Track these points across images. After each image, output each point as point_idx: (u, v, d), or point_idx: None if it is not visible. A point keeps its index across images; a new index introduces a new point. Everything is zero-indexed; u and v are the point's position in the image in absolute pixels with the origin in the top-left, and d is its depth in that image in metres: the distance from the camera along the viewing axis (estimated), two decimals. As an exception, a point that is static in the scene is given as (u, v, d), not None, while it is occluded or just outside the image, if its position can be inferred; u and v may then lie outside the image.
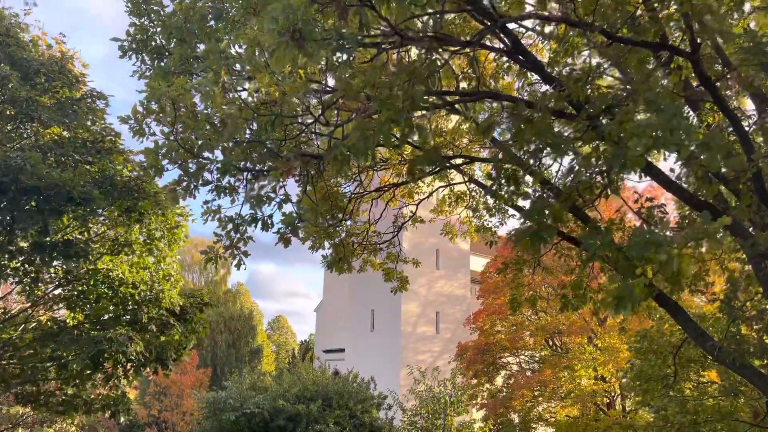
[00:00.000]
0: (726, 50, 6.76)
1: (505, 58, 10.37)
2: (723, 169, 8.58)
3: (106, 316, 13.11)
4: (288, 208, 7.22)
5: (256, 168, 6.63)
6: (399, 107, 4.83)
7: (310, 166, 6.95)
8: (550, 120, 5.93)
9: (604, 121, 5.50)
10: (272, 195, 6.61)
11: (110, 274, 12.96)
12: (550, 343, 27.03)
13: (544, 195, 6.55)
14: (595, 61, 7.56)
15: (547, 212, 5.32)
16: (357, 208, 12.61)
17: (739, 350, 9.73)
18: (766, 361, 10.21)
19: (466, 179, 13.14)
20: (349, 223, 12.96)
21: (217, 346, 45.01)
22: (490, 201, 13.42)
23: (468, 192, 13.69)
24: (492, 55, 10.70)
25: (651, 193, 19.27)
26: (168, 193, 6.56)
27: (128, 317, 13.12)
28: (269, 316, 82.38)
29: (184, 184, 6.64)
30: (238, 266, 7.19)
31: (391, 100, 4.89)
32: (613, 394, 25.26)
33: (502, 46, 8.95)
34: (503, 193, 6.56)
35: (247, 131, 6.57)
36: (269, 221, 6.86)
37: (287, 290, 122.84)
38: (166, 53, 8.66)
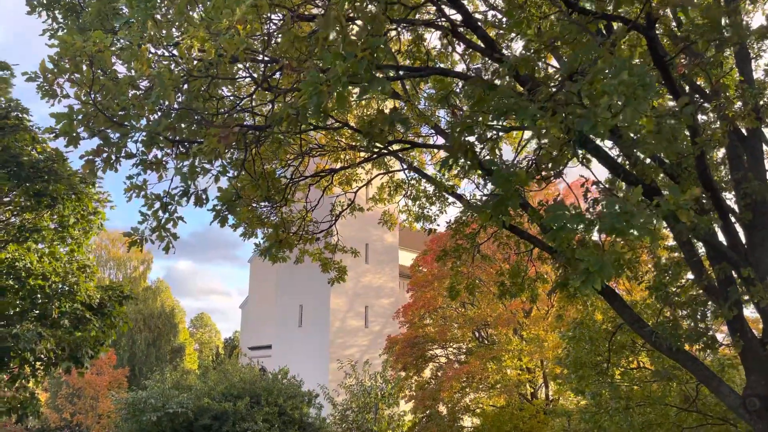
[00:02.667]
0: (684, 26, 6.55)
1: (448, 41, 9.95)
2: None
3: (11, 311, 11.73)
4: (224, 183, 6.46)
5: (187, 140, 5.83)
6: (359, 56, 4.23)
7: (248, 139, 6.22)
8: (513, 84, 5.48)
9: (570, 85, 5.09)
10: (207, 167, 5.84)
11: (16, 264, 11.61)
12: (478, 335, 27.15)
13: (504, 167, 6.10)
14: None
15: (511, 180, 4.86)
16: (292, 194, 11.88)
17: (674, 335, 9.74)
18: (698, 346, 10.31)
19: (405, 167, 12.69)
20: (284, 209, 12.21)
21: (135, 344, 42.69)
22: (430, 189, 13.03)
23: (407, 180, 13.23)
24: (436, 34, 10.27)
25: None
26: (85, 165, 5.66)
27: (37, 312, 11.81)
28: (189, 315, 79.49)
29: (104, 155, 5.76)
30: (166, 249, 6.36)
31: (349, 48, 4.28)
32: (536, 384, 25.65)
33: (447, 23, 8.51)
34: (456, 168, 6.06)
35: (178, 98, 5.77)
36: (203, 196, 6.07)
37: (206, 288, 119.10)
38: (81, 9, 7.63)
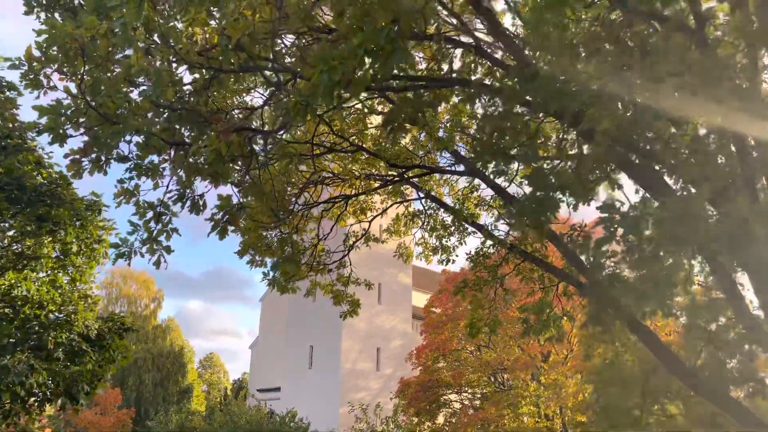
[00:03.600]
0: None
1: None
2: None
3: (5, 341, 10.97)
4: (225, 190, 5.75)
5: (185, 143, 5.16)
6: (380, 24, 3.55)
7: (253, 143, 5.55)
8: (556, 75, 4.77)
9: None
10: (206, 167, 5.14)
11: (12, 291, 10.91)
12: (494, 380, 25.86)
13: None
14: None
15: (552, 180, 4.11)
16: (305, 223, 11.18)
17: (718, 378, 8.75)
18: (745, 391, 9.29)
19: (422, 195, 11.96)
20: (295, 238, 11.49)
21: (143, 384, 41.50)
22: (448, 219, 12.27)
23: (424, 210, 12.46)
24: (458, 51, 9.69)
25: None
26: (70, 164, 5.00)
27: (32, 342, 11.04)
28: (199, 355, 78.00)
29: (93, 156, 5.09)
30: (157, 264, 5.63)
31: (371, 13, 3.60)
32: (556, 432, 24.20)
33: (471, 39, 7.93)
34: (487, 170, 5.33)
35: (177, 95, 5.14)
36: (200, 202, 5.37)
37: (216, 328, 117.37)
38: (81, 8, 7.10)
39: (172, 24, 4.86)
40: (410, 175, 10.82)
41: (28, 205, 10.57)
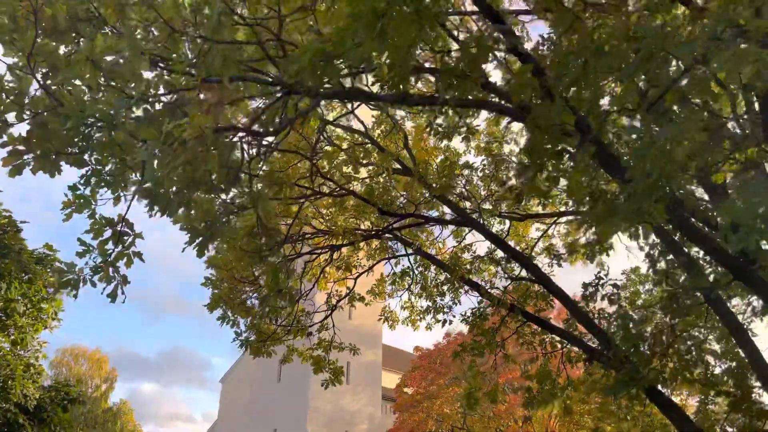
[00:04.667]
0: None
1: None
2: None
3: None
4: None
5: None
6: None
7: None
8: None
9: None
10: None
11: (-63, 353, 9.22)
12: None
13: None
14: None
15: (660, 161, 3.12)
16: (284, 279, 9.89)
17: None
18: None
19: (412, 251, 10.87)
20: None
21: (89, 473, 37.61)
22: (440, 277, 11.13)
23: (412, 268, 11.29)
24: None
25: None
26: (6, 158, 3.81)
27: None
28: (153, 441, 72.15)
29: (38, 152, 3.94)
30: (113, 297, 4.35)
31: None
32: None
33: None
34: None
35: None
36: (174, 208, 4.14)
37: (171, 412, 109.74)
38: None
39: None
40: (405, 223, 9.79)
41: (-35, 254, 9.12)
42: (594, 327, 8.68)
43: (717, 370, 9.36)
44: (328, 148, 9.61)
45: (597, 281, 8.32)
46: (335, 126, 9.82)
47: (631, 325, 7.32)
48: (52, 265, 11.16)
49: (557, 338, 10.11)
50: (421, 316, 12.22)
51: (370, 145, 9.95)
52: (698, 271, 7.43)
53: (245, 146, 4.76)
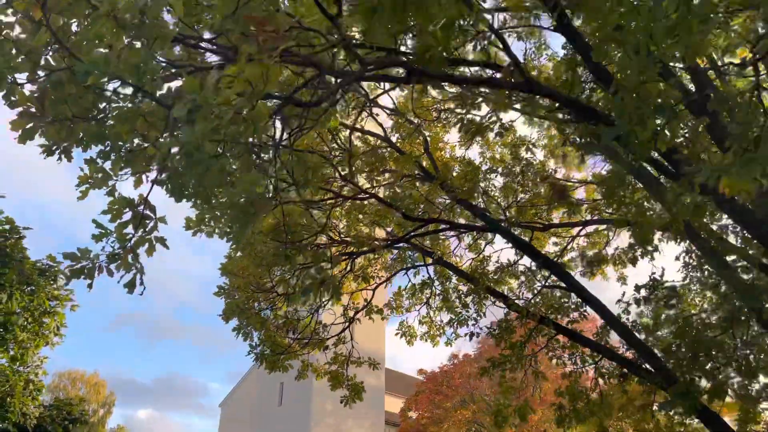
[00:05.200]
0: None
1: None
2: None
3: None
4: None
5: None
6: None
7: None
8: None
9: None
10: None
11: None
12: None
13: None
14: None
15: None
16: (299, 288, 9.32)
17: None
18: None
19: (434, 259, 10.28)
20: (289, 310, 9.59)
21: (86, 501, 36.24)
22: (462, 287, 10.53)
23: (432, 280, 10.65)
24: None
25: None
26: (17, 120, 3.29)
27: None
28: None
29: (48, 120, 3.42)
30: (131, 288, 3.79)
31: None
32: None
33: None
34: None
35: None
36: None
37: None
38: None
39: None
40: (428, 229, 9.24)
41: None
42: (633, 338, 8.10)
43: None
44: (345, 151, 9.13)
45: (652, 284, 7.74)
46: (355, 130, 9.35)
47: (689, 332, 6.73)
48: (55, 277, 10.59)
49: (587, 352, 9.49)
50: (441, 331, 11.62)
51: (388, 149, 9.50)
52: (749, 289, 6.89)
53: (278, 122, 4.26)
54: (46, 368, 11.17)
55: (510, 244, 9.61)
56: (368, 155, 8.99)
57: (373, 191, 8.98)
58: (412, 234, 9.05)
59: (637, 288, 8.13)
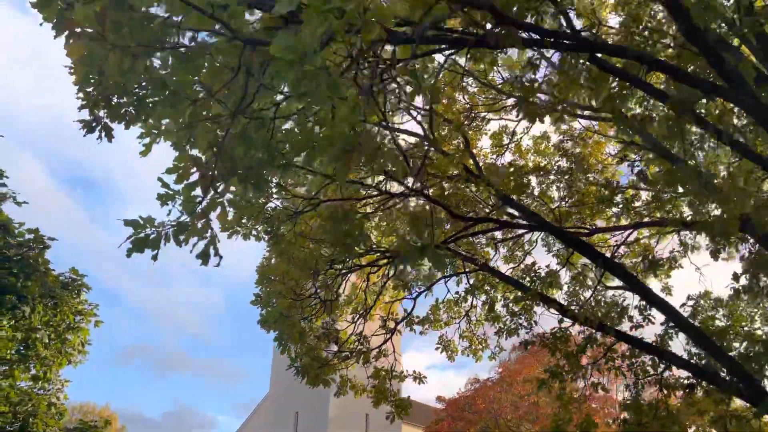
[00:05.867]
0: None
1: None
2: None
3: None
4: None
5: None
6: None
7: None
8: None
9: None
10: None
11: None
12: None
13: None
14: None
15: None
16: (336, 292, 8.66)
17: None
18: None
19: (478, 265, 9.60)
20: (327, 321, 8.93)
21: None
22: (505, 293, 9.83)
23: (475, 287, 9.94)
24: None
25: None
26: (72, 45, 2.72)
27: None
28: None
29: (108, 47, 2.87)
30: (204, 260, 3.18)
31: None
32: None
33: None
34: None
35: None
36: None
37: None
38: None
39: None
40: (475, 229, 8.62)
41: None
42: (709, 343, 7.39)
43: None
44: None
45: (752, 273, 7.04)
46: (392, 130, 8.82)
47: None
48: (79, 291, 9.98)
49: (648, 361, 8.76)
50: (483, 345, 10.90)
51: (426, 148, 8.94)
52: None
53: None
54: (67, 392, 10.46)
55: (558, 246, 8.97)
56: (413, 153, 8.43)
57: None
58: (459, 235, 8.42)
59: (735, 276, 7.44)
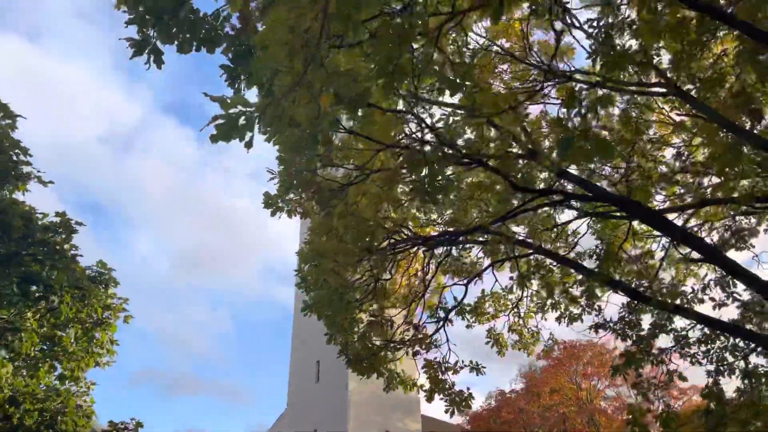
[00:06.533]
0: None
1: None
2: None
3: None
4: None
5: None
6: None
7: None
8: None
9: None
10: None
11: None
12: None
13: None
14: None
15: None
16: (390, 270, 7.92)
17: None
18: None
19: (535, 247, 8.86)
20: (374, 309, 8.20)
21: None
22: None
23: (535, 268, 9.20)
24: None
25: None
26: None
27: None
28: None
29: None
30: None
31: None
32: None
33: None
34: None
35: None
36: None
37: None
38: None
39: None
40: (538, 202, 7.90)
41: (8, 256, 7.27)
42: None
43: None
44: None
45: None
46: (439, 104, 8.20)
47: None
48: (107, 284, 9.31)
49: (730, 347, 7.93)
50: (534, 338, 10.12)
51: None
52: None
53: None
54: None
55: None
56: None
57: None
58: (521, 208, 7.69)
59: None
